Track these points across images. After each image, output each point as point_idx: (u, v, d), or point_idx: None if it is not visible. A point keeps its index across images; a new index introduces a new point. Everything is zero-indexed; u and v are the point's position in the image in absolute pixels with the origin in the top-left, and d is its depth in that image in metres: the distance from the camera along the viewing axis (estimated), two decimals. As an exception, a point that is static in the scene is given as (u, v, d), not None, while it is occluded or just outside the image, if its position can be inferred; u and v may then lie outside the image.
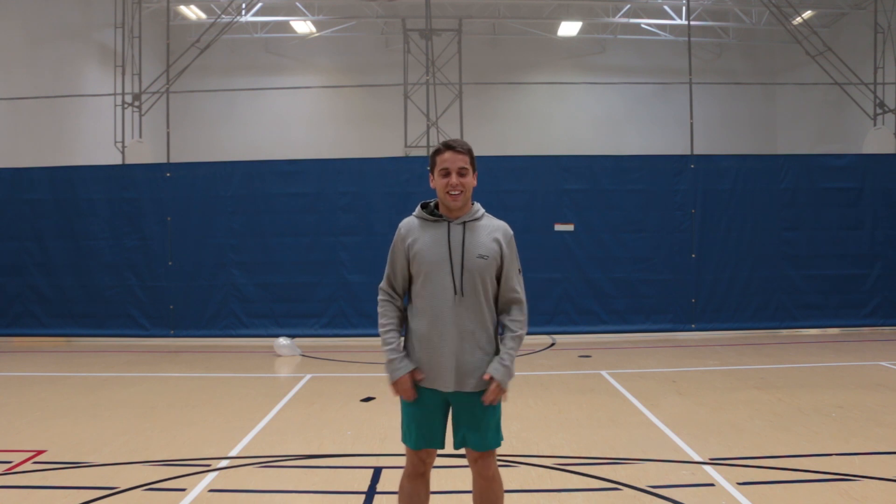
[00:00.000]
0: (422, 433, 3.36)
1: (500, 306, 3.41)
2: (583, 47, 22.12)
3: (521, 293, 3.42)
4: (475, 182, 3.39)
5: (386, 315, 3.43)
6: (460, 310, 3.28)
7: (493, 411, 3.38)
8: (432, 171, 3.38)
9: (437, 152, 3.36)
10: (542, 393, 7.61)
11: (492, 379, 3.27)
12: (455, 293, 3.27)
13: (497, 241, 3.38)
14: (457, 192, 3.29)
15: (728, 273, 11.71)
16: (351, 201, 11.62)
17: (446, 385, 3.29)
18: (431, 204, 3.45)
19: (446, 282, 3.28)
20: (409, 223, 3.43)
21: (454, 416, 3.39)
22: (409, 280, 3.41)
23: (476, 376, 3.29)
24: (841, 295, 11.78)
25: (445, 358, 3.27)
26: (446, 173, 3.30)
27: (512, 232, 3.46)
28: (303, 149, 18.02)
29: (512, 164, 11.95)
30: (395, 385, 3.35)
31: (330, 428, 6.25)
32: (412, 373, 3.33)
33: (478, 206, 3.47)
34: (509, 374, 3.31)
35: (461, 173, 3.30)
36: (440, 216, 3.37)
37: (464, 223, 3.36)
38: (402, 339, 3.44)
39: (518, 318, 3.38)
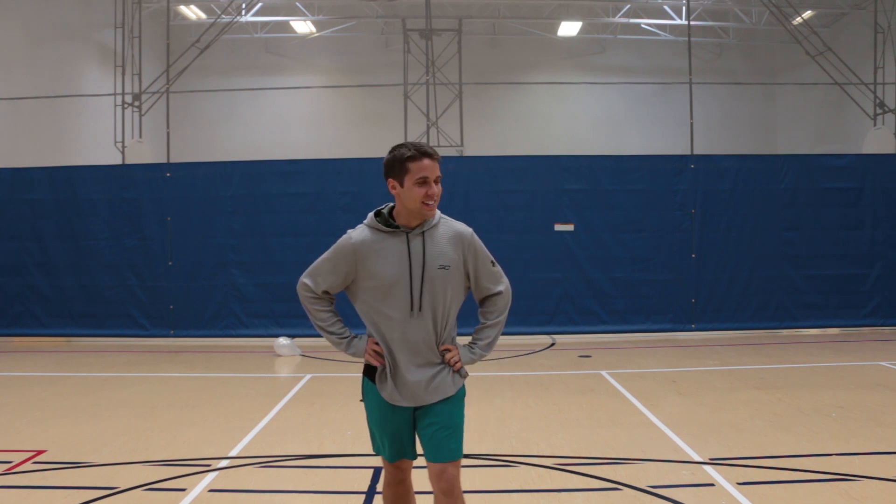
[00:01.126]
0: (394, 446, 3.24)
1: (480, 306, 3.35)
2: (583, 47, 22.11)
3: (498, 284, 3.27)
4: None
5: (323, 309, 3.28)
6: (412, 326, 3.09)
7: (456, 421, 3.18)
8: (399, 176, 3.13)
9: (412, 158, 3.09)
10: (542, 393, 7.61)
11: (448, 350, 3.16)
12: (411, 309, 3.08)
13: (458, 247, 3.15)
14: (432, 202, 3.09)
15: (728, 273, 11.71)
16: (351, 201, 11.61)
17: (406, 402, 3.14)
18: (385, 211, 3.24)
19: (403, 297, 3.08)
20: (362, 235, 3.21)
21: (417, 427, 3.21)
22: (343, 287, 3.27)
23: (432, 390, 3.13)
24: (841, 295, 11.78)
25: (402, 373, 3.11)
26: (424, 182, 3.06)
27: (471, 230, 3.21)
28: (303, 149, 18.03)
29: (512, 164, 11.95)
30: (366, 357, 3.20)
31: (330, 428, 6.24)
32: (368, 341, 3.20)
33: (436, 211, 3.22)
34: (470, 353, 3.24)
35: (438, 182, 3.11)
36: (397, 227, 3.15)
37: (423, 233, 3.13)
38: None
39: (491, 310, 3.29)
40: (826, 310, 11.78)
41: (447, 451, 3.14)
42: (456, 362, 3.18)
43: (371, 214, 3.25)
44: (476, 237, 3.22)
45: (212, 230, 11.74)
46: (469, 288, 3.27)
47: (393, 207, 3.25)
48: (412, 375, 3.10)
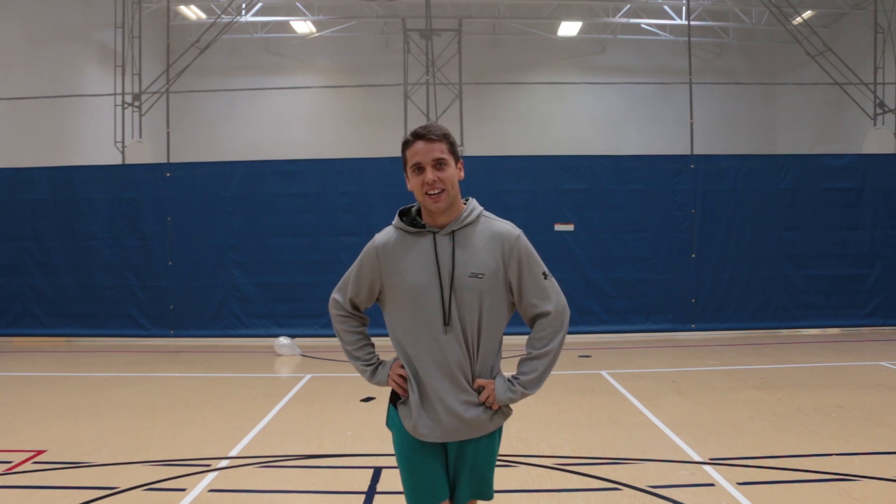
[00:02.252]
0: (426, 489, 2.66)
1: (530, 327, 2.79)
2: (583, 47, 22.11)
3: (546, 302, 2.69)
4: (462, 174, 2.72)
5: (351, 330, 2.85)
6: (446, 343, 2.60)
7: (489, 461, 2.73)
8: (405, 168, 2.66)
9: (406, 145, 2.64)
10: (542, 393, 7.56)
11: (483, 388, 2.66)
12: (444, 323, 2.59)
13: (498, 252, 2.63)
14: (437, 192, 2.58)
15: (728, 273, 11.71)
16: (351, 201, 11.62)
17: (434, 437, 2.63)
18: (413, 210, 2.73)
19: (434, 309, 2.59)
20: (387, 236, 2.71)
21: (448, 463, 2.72)
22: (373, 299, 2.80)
23: (465, 424, 2.63)
24: (841, 295, 11.78)
25: (430, 403, 2.62)
26: (420, 169, 2.59)
27: (518, 231, 2.69)
28: (303, 149, 18.02)
29: (512, 164, 11.95)
30: (389, 382, 2.77)
31: (330, 428, 6.24)
32: (394, 364, 2.77)
33: (472, 204, 2.75)
34: (509, 391, 2.67)
35: (438, 166, 2.59)
36: (423, 226, 2.65)
37: (452, 233, 2.63)
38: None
39: (538, 335, 2.72)
40: (826, 310, 11.78)
41: (481, 490, 2.73)
42: (492, 403, 2.64)
43: (397, 213, 2.74)
44: (524, 240, 2.67)
45: (212, 230, 11.75)
46: (514, 304, 2.74)
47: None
48: (441, 406, 2.60)
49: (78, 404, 7.28)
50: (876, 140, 14.84)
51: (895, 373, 8.41)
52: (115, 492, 4.65)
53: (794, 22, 17.10)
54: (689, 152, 13.30)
